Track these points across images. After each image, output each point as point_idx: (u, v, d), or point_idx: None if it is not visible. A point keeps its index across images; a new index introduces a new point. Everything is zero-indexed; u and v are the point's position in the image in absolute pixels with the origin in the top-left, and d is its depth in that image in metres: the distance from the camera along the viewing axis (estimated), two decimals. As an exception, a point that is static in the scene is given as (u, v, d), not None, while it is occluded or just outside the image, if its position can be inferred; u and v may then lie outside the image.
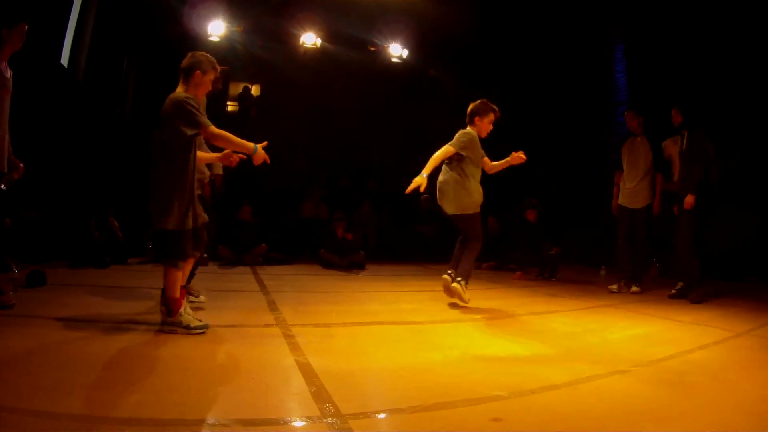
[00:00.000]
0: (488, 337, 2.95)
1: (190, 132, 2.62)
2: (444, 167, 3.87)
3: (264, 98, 11.51)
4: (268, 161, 2.76)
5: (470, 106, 3.90)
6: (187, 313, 2.68)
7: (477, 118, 3.85)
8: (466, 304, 3.73)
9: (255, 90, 11.60)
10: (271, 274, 5.56)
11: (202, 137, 2.84)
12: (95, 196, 6.36)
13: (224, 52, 8.34)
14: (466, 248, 3.81)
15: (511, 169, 4.13)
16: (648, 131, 4.91)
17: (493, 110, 3.87)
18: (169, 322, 2.64)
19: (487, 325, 3.26)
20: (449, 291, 3.73)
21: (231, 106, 11.12)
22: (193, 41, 8.18)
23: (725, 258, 6.03)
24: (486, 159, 4.00)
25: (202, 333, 2.65)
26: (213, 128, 2.66)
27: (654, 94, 6.85)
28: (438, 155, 3.76)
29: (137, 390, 1.80)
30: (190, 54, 2.79)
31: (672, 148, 4.84)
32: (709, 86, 6.42)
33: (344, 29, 9.39)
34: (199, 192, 3.03)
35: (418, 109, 9.92)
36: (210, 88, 2.86)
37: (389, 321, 3.30)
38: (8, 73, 2.96)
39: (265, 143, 2.79)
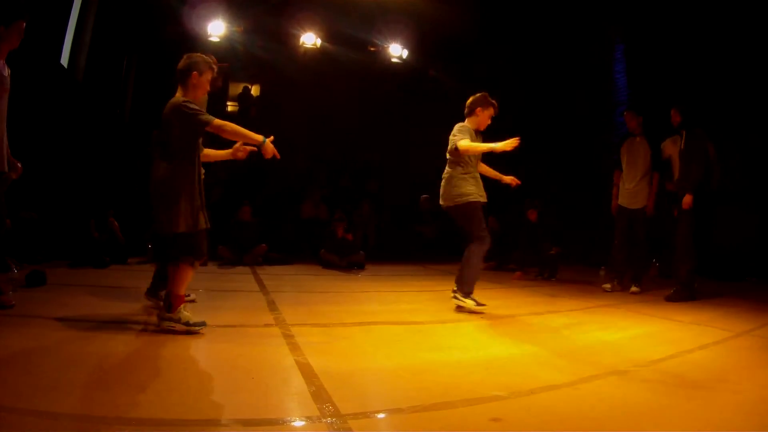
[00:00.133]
0: (488, 338, 2.96)
1: (197, 131, 2.63)
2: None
3: (264, 98, 11.50)
4: (278, 156, 2.74)
5: (470, 99, 3.87)
6: (185, 311, 2.68)
7: (479, 109, 3.81)
8: (480, 311, 3.56)
9: (255, 90, 11.59)
10: (270, 274, 5.55)
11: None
12: (95, 196, 6.36)
13: (224, 53, 8.33)
14: (465, 252, 3.66)
15: (510, 170, 4.11)
16: (647, 131, 4.91)
17: (493, 105, 3.85)
18: (168, 318, 2.65)
19: (487, 325, 3.26)
20: (459, 308, 3.65)
21: (231, 107, 11.11)
22: (193, 41, 8.15)
23: (725, 258, 6.03)
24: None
25: (200, 329, 2.65)
26: (218, 121, 2.67)
27: (653, 94, 6.84)
28: (480, 146, 3.66)
29: (137, 390, 1.80)
30: (186, 55, 2.78)
31: (671, 148, 4.84)
32: (709, 86, 6.41)
33: (344, 29, 9.37)
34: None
35: (418, 109, 9.92)
36: (208, 88, 2.85)
37: (389, 321, 3.30)
38: (6, 72, 2.93)
39: (272, 137, 2.78)
